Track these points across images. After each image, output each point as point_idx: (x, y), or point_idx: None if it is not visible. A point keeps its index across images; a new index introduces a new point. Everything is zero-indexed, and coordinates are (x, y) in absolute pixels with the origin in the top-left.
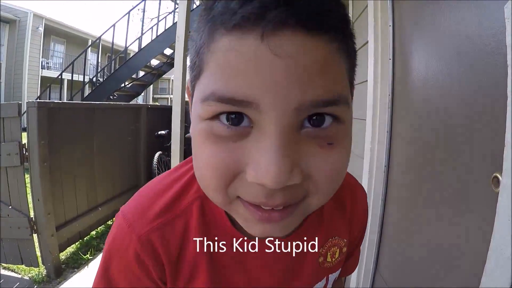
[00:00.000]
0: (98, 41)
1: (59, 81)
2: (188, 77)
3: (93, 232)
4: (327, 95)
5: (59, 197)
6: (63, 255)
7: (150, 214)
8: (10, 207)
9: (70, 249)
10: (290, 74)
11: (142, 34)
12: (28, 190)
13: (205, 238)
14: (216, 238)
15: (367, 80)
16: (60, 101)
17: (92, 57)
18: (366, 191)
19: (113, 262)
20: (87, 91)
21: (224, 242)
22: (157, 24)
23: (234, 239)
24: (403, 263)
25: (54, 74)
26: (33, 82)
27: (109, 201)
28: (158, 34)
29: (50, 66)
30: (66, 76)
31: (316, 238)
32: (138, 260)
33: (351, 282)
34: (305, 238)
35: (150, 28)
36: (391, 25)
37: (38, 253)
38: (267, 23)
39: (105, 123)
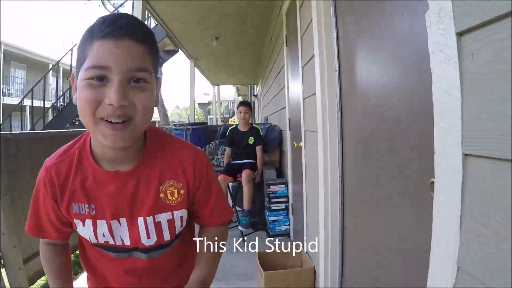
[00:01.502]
0: (57, 65)
1: (19, 108)
2: (74, 71)
3: None
4: (140, 66)
5: (24, 229)
6: None
7: (54, 157)
8: None
9: (41, 281)
10: (125, 56)
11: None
12: None
13: (79, 171)
14: (85, 170)
15: (315, 93)
16: (18, 132)
17: (53, 82)
18: (323, 202)
19: (36, 186)
20: (50, 116)
21: (90, 173)
22: None
23: (96, 170)
24: (365, 267)
25: (15, 101)
26: None
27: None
28: None
29: (11, 93)
30: (28, 102)
31: (154, 177)
32: (44, 183)
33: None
34: (144, 173)
35: None
36: (335, 37)
37: None
38: (116, 36)
39: None
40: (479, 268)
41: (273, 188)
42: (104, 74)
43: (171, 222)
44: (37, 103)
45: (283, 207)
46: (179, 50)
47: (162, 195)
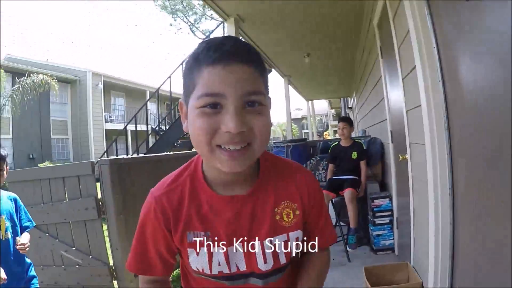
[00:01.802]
0: (156, 92)
1: (123, 132)
2: (182, 99)
3: (174, 273)
4: (253, 89)
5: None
6: None
7: (162, 186)
8: (91, 257)
9: None
10: (237, 81)
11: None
12: (107, 240)
13: (193, 198)
14: (199, 197)
15: (420, 105)
16: (129, 157)
17: (151, 107)
18: (434, 216)
19: (142, 218)
20: (150, 140)
21: (205, 199)
22: None
23: (211, 196)
24: (475, 283)
25: (117, 126)
26: (99, 135)
27: None
28: None
29: (113, 119)
30: (130, 127)
31: (270, 199)
32: (155, 213)
33: None
34: (261, 196)
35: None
36: (435, 47)
37: None
38: (226, 61)
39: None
40: None
41: (377, 202)
42: (219, 102)
43: (286, 244)
44: (138, 127)
45: (387, 221)
46: (273, 69)
47: (278, 217)
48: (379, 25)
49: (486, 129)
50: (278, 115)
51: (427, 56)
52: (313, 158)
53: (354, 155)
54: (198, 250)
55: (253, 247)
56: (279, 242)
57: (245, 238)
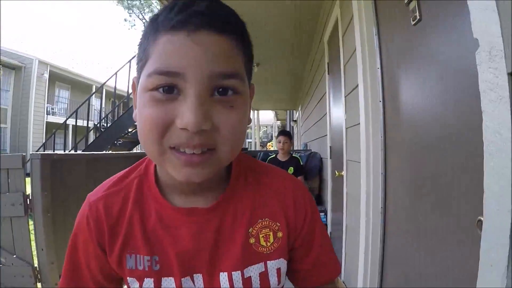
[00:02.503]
0: (101, 87)
1: (63, 126)
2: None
3: None
4: (227, 70)
5: (62, 246)
6: None
7: (101, 189)
8: (15, 256)
9: None
10: (204, 56)
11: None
12: (32, 239)
13: (138, 207)
14: (147, 207)
15: (359, 123)
16: (63, 153)
17: (96, 103)
18: (364, 233)
19: (74, 229)
20: (91, 136)
21: (154, 210)
22: None
23: (163, 207)
24: None
25: (59, 119)
26: (39, 127)
27: None
28: None
29: (55, 112)
30: (71, 121)
31: (243, 215)
32: (87, 222)
33: None
34: (230, 211)
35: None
36: (379, 67)
37: None
38: (191, 26)
39: (108, 171)
40: None
41: None
42: (175, 84)
43: (264, 277)
44: (80, 122)
45: None
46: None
47: (252, 240)
48: (329, 41)
49: (420, 152)
50: None
51: (370, 76)
52: None
53: (291, 170)
54: (142, 281)
55: (217, 280)
56: (254, 274)
57: (206, 268)
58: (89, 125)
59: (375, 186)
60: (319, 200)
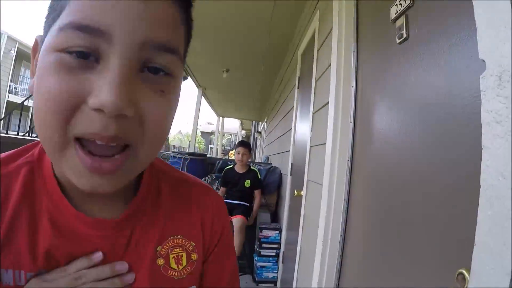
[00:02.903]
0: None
1: (20, 107)
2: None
3: None
4: (168, 43)
5: None
6: None
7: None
8: None
9: None
10: (142, 14)
11: None
12: None
13: (24, 206)
14: (38, 206)
15: (325, 143)
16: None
17: None
18: (320, 263)
19: None
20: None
21: (47, 211)
22: None
23: (63, 213)
24: None
25: (20, 100)
26: None
27: None
28: None
29: (18, 92)
30: (31, 103)
31: (152, 231)
32: None
33: None
34: (139, 226)
35: None
36: (354, 86)
37: None
38: None
39: None
40: None
41: (265, 232)
42: (95, 46)
43: None
44: None
45: (274, 254)
46: (189, 77)
47: (161, 261)
48: (303, 54)
49: (390, 184)
50: (187, 125)
51: (343, 94)
52: (209, 176)
53: (248, 183)
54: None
55: None
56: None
57: None
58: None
59: (336, 212)
60: (275, 217)
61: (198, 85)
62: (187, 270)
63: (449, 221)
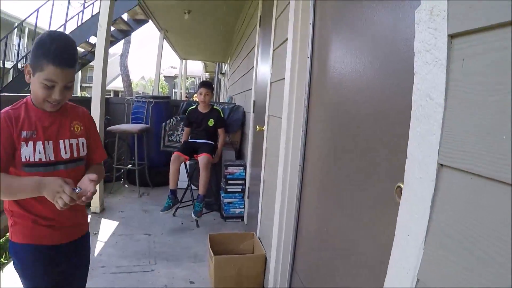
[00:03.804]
0: (21, 25)
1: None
2: (30, 62)
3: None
4: (70, 82)
5: None
6: None
7: (8, 108)
8: None
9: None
10: (65, 76)
11: (67, 20)
12: None
13: (26, 113)
14: (30, 113)
15: (284, 78)
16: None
17: (18, 43)
18: (281, 190)
19: None
20: (11, 77)
21: (34, 114)
22: (83, 11)
23: (37, 112)
24: (317, 263)
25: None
26: None
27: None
28: (83, 21)
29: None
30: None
31: (68, 118)
32: (5, 120)
33: (269, 282)
34: (64, 116)
35: (76, 14)
36: (312, 23)
37: None
38: (58, 64)
39: None
40: (439, 283)
41: (231, 169)
42: (52, 84)
43: (78, 144)
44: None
45: (239, 190)
46: (150, 20)
47: (72, 128)
48: None
49: (343, 114)
50: (150, 71)
51: (301, 30)
52: (173, 118)
53: (211, 122)
54: (27, 144)
55: (58, 144)
56: (73, 142)
57: (54, 138)
58: (5, 66)
59: (294, 143)
60: (240, 154)
61: (160, 28)
62: (80, 132)
63: (396, 143)
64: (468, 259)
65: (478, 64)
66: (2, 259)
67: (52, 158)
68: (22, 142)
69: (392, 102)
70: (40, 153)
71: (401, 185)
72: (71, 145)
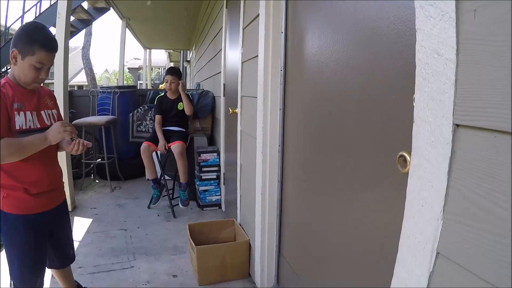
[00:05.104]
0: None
1: None
2: (14, 48)
3: None
4: (52, 64)
5: None
6: None
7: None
8: None
9: None
10: (52, 59)
11: (24, 12)
12: None
13: (13, 91)
14: (16, 91)
15: (257, 55)
16: None
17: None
18: (261, 172)
19: None
20: None
21: (17, 90)
22: (40, 1)
23: (19, 90)
24: (306, 246)
25: None
26: None
27: None
28: (41, 11)
29: None
30: None
31: (43, 94)
32: (3, 96)
33: (255, 269)
34: (40, 93)
35: (33, 6)
36: None
37: None
38: (48, 49)
39: None
40: (464, 254)
41: (204, 156)
42: (41, 66)
43: (52, 115)
44: None
45: (214, 177)
46: (111, 8)
47: (46, 102)
48: None
49: (325, 86)
50: (113, 63)
51: (274, 4)
52: (141, 107)
53: (180, 106)
54: (19, 114)
55: (40, 113)
56: (49, 113)
57: (37, 109)
58: None
59: (272, 122)
60: (212, 140)
61: (122, 16)
62: (52, 105)
63: (389, 110)
64: (495, 223)
65: (492, 14)
66: None
67: (38, 126)
68: (15, 112)
69: (380, 67)
70: (29, 121)
71: (405, 154)
72: (48, 115)
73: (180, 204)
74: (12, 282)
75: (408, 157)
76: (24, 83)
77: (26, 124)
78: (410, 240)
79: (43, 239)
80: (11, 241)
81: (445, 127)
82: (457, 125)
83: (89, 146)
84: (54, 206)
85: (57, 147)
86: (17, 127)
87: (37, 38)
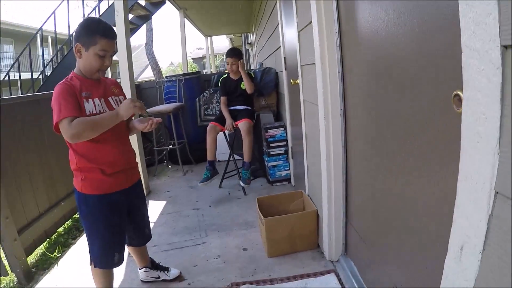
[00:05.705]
0: (40, 33)
1: (7, 82)
2: (79, 42)
3: (60, 229)
4: (114, 52)
5: (15, 199)
6: (32, 258)
7: (64, 81)
8: None
9: (39, 250)
10: (113, 45)
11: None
12: None
13: (79, 82)
14: (83, 83)
15: (311, 22)
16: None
17: (45, 52)
18: (325, 139)
19: (63, 91)
20: (41, 82)
21: (84, 82)
22: (98, 5)
23: (87, 81)
24: (373, 211)
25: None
26: None
27: (71, 194)
28: (100, 14)
29: (1, 69)
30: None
31: (108, 83)
32: (70, 85)
33: (324, 239)
34: (106, 83)
35: (92, 10)
36: None
37: (6, 262)
38: (109, 36)
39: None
40: None
41: (271, 132)
42: (104, 54)
43: (120, 100)
44: (28, 75)
45: (283, 151)
46: (166, 1)
47: (112, 90)
48: None
49: (382, 40)
50: (177, 56)
51: None
52: (206, 92)
53: (243, 85)
54: (88, 101)
55: (108, 100)
56: (116, 99)
57: (104, 96)
58: (33, 76)
59: (332, 85)
60: (278, 116)
61: (178, 7)
62: (118, 91)
63: (438, 53)
64: None
65: None
66: (55, 253)
67: (106, 109)
68: (83, 100)
69: (429, 19)
70: (98, 106)
71: (459, 92)
72: (115, 100)
73: (241, 182)
74: (92, 261)
75: (462, 95)
76: (90, 73)
77: (96, 109)
78: (467, 182)
79: (122, 217)
80: (93, 222)
81: (493, 51)
82: (505, 47)
83: (160, 122)
84: (130, 185)
85: (129, 130)
86: (88, 113)
87: (97, 29)
